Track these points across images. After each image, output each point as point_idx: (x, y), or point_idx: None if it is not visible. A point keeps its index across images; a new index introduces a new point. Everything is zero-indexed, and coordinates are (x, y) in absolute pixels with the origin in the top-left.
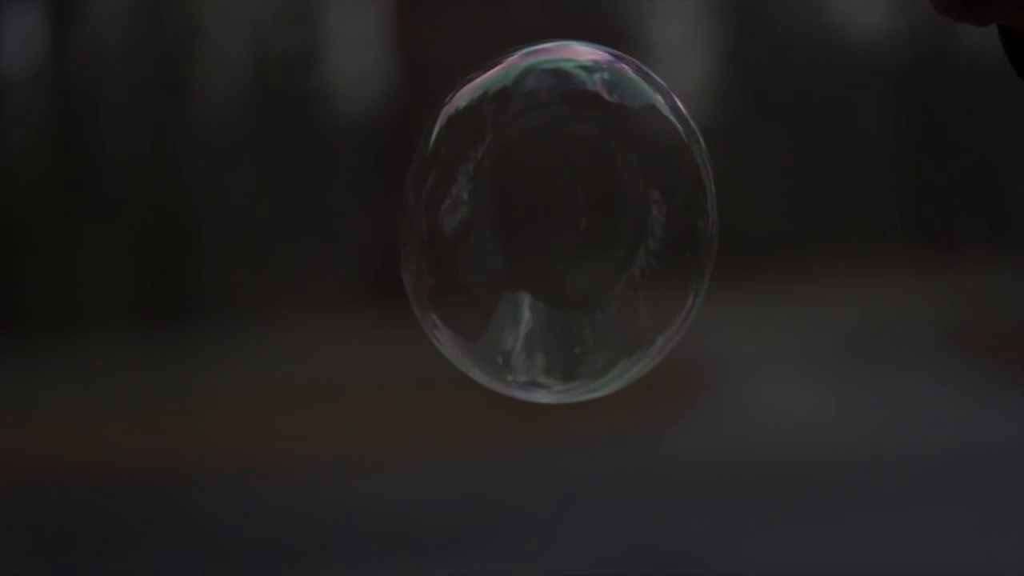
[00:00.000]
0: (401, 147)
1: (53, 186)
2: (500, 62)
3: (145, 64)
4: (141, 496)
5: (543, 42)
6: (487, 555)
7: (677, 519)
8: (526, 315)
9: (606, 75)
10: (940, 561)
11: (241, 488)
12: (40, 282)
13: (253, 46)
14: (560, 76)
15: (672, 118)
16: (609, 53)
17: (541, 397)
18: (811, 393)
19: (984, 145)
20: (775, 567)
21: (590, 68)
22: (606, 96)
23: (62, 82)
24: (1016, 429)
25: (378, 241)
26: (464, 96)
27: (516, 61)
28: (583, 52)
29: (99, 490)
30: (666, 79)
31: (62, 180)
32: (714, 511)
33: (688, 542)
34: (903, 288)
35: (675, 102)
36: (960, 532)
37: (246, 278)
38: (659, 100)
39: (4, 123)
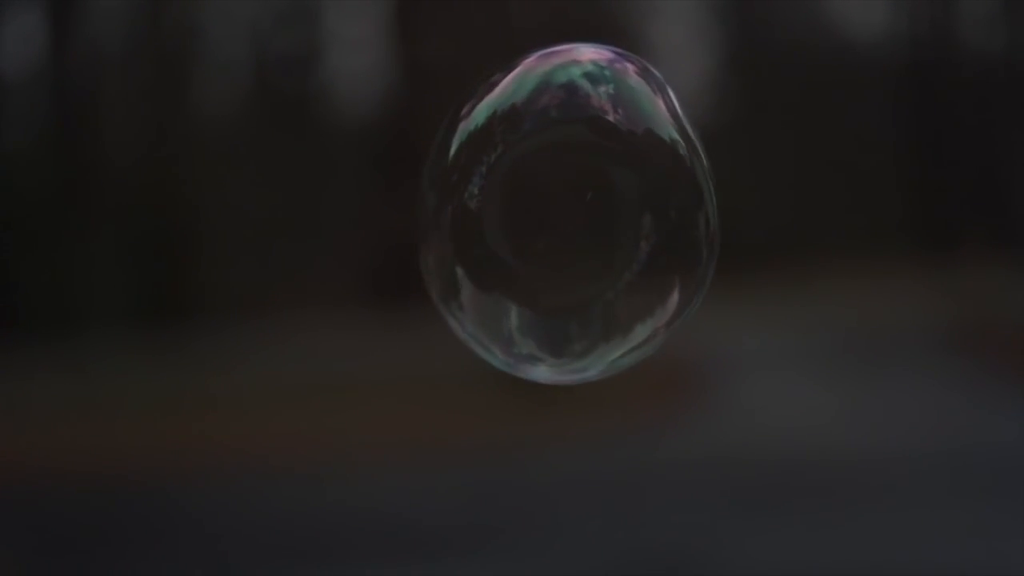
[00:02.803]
0: (401, 148)
1: (53, 186)
2: (509, 74)
3: (145, 64)
4: (141, 496)
5: (550, 49)
6: (487, 555)
7: (677, 519)
8: (534, 304)
9: (611, 87)
10: (940, 561)
11: (241, 488)
12: (40, 282)
13: (253, 47)
14: (570, 89)
15: (675, 125)
16: (615, 55)
17: (542, 375)
18: (811, 393)
19: (984, 145)
20: (775, 567)
21: (597, 78)
22: (612, 107)
23: (62, 82)
24: (1016, 429)
25: (378, 241)
26: (478, 110)
27: (526, 72)
28: (590, 57)
29: (99, 490)
30: (667, 80)
31: (62, 180)
32: (714, 511)
33: (688, 542)
34: (903, 288)
35: (678, 109)
36: (960, 532)
37: (246, 278)
38: (662, 109)
39: (4, 123)
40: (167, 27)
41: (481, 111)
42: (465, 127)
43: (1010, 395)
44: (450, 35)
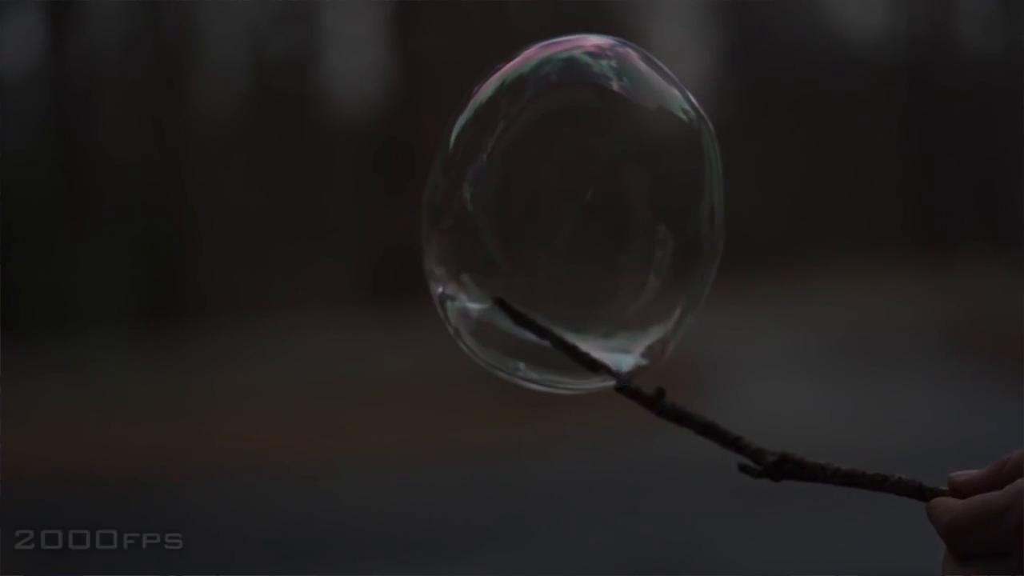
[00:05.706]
0: (400, 148)
1: (53, 186)
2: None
3: (144, 64)
4: (141, 496)
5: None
6: (486, 555)
7: (676, 519)
8: (534, 305)
9: (622, 74)
10: (939, 561)
11: (241, 488)
12: (40, 282)
13: (251, 47)
14: (576, 69)
15: (684, 119)
16: (621, 46)
17: (543, 385)
18: (810, 393)
19: (984, 145)
20: (774, 567)
21: (602, 62)
22: (619, 96)
23: (62, 82)
24: (1015, 429)
25: (378, 241)
26: (480, 97)
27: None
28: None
29: (99, 490)
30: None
31: (62, 180)
32: (713, 511)
33: (687, 543)
34: (903, 288)
35: (691, 102)
36: None
37: (246, 278)
38: (672, 100)
39: (3, 123)
40: (166, 27)
41: (481, 98)
42: (456, 125)
43: (1009, 395)
44: (449, 35)
